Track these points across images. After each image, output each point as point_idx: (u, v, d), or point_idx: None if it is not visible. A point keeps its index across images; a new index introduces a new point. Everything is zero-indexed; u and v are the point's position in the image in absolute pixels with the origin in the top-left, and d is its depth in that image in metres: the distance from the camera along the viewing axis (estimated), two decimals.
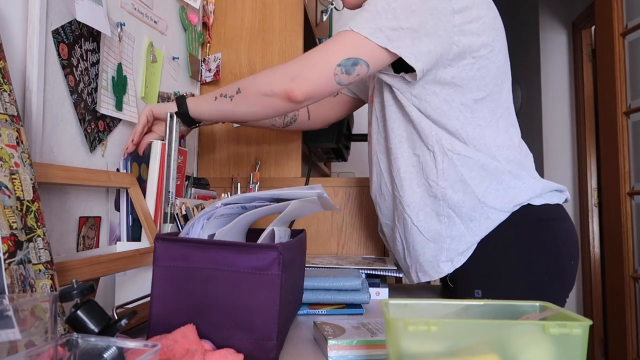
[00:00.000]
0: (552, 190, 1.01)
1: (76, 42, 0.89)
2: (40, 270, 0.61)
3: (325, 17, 2.02)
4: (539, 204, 0.98)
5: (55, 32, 0.84)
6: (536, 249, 0.96)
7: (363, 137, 1.90)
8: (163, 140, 1.04)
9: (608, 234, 2.40)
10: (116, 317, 0.69)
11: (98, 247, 0.95)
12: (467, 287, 0.99)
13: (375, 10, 0.91)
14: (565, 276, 0.98)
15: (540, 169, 3.49)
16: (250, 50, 1.51)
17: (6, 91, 0.64)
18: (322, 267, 1.08)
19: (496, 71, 0.98)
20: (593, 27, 3.15)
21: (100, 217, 0.96)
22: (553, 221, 0.99)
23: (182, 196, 1.17)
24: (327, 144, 1.60)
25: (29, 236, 0.61)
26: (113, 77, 1.00)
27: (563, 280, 0.98)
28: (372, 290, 1.07)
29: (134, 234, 1.00)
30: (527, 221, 0.97)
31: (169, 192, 1.02)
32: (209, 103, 1.02)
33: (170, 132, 1.04)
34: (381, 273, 1.08)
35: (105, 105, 0.98)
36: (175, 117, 1.04)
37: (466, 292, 0.99)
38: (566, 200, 1.04)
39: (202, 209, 1.14)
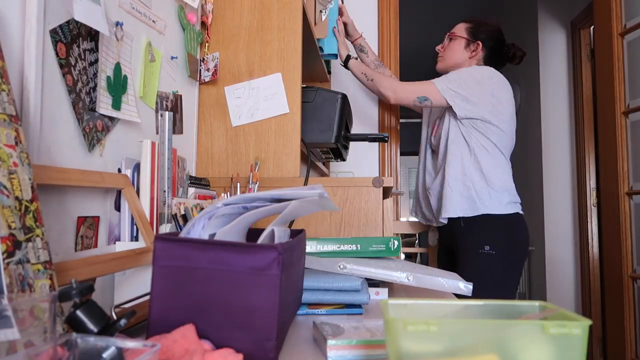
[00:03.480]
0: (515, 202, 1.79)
1: (74, 41, 0.89)
2: (39, 270, 0.61)
3: (324, 17, 2.02)
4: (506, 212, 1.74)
5: (53, 32, 0.83)
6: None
7: (361, 137, 1.90)
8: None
9: (607, 234, 2.40)
10: (114, 317, 0.69)
11: (96, 247, 0.95)
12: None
13: (451, 77, 1.78)
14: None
15: (539, 168, 3.49)
16: (249, 49, 1.50)
17: (4, 91, 0.64)
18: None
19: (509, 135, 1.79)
20: (592, 27, 3.16)
21: (98, 217, 0.96)
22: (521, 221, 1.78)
23: (176, 195, 1.16)
24: (326, 144, 1.60)
25: (27, 236, 0.61)
26: (109, 77, 1.00)
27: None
28: (372, 290, 1.07)
29: (136, 234, 1.00)
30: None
31: (164, 191, 1.02)
32: (358, 71, 1.93)
33: (163, 131, 1.04)
34: None
35: (104, 105, 0.97)
36: (167, 116, 1.04)
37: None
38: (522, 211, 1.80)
39: (200, 209, 1.14)
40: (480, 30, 1.88)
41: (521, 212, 1.77)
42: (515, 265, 1.73)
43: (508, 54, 1.92)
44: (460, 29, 1.91)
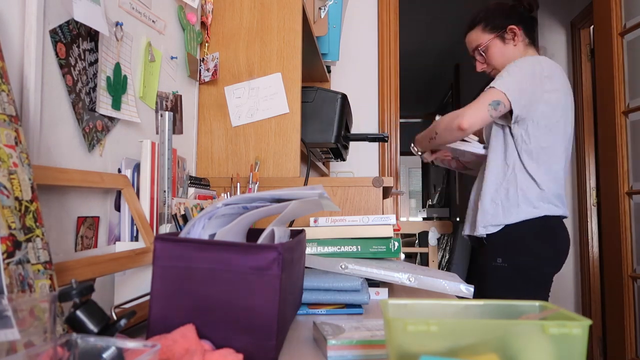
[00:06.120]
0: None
1: (74, 41, 0.89)
2: (39, 271, 0.61)
3: (323, 14, 2.02)
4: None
5: (53, 32, 0.83)
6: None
7: (361, 137, 1.90)
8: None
9: (606, 234, 2.40)
10: (114, 317, 0.69)
11: (96, 247, 0.95)
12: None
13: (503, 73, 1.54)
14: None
15: None
16: (249, 49, 1.50)
17: (4, 91, 0.64)
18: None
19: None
20: (592, 27, 3.15)
21: (98, 217, 0.96)
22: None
23: (176, 195, 1.16)
24: (326, 144, 1.60)
25: (27, 236, 0.61)
26: (109, 77, 1.00)
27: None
28: (372, 290, 1.07)
29: (136, 234, 1.00)
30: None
31: (164, 192, 1.02)
32: (425, 141, 1.72)
33: (163, 131, 1.04)
34: None
35: (104, 105, 0.97)
36: (167, 116, 1.04)
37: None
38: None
39: (200, 209, 1.14)
40: (496, 17, 1.65)
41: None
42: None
43: (527, 10, 1.67)
44: (479, 36, 1.69)
